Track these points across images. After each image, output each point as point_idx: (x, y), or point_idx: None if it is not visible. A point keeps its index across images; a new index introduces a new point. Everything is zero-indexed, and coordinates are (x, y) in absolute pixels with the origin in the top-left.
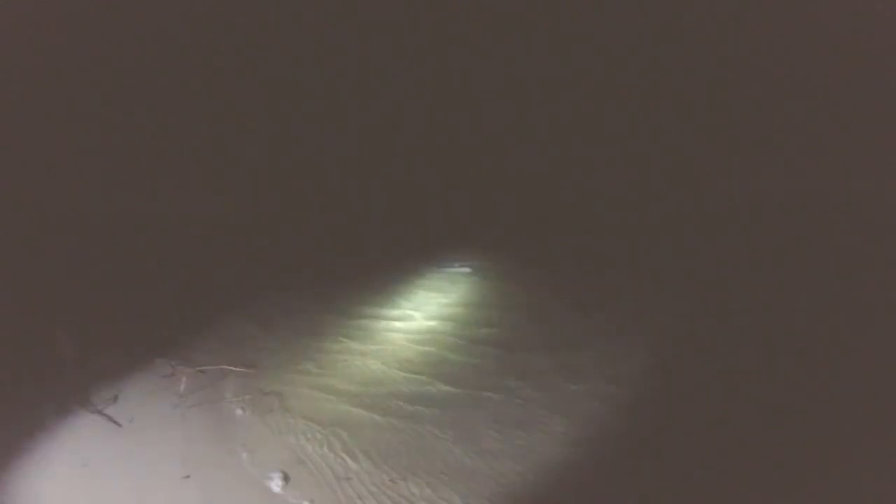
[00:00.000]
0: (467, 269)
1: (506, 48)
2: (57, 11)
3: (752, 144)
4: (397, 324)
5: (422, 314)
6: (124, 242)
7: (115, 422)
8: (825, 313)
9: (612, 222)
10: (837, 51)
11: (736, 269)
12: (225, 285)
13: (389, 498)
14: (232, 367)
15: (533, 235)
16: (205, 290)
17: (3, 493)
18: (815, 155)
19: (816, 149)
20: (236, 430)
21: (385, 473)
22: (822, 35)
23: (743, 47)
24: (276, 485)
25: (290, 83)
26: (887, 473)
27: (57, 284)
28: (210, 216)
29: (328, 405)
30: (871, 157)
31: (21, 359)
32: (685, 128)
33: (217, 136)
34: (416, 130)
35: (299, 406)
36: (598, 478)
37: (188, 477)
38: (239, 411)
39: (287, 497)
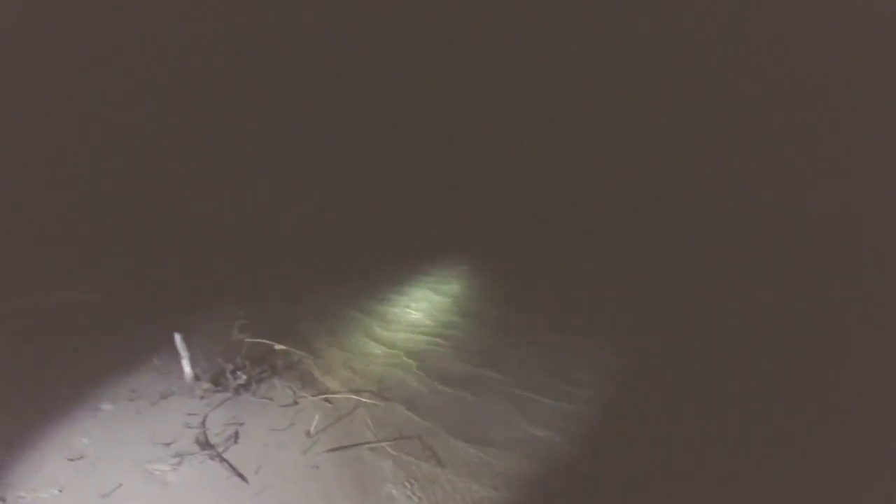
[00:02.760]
0: (464, 269)
1: (506, 48)
2: (57, 11)
3: (752, 144)
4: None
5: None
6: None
7: (240, 475)
8: (825, 313)
9: (612, 222)
10: (837, 51)
11: (736, 269)
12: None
13: None
14: (359, 397)
15: (532, 235)
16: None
17: None
18: (814, 155)
19: (816, 149)
20: (387, 492)
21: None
22: (822, 35)
23: (743, 47)
24: None
25: (290, 83)
26: (887, 474)
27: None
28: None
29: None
30: (871, 157)
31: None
32: (685, 128)
33: (217, 136)
34: (416, 130)
35: (451, 459)
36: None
37: None
38: (384, 464)
39: None
